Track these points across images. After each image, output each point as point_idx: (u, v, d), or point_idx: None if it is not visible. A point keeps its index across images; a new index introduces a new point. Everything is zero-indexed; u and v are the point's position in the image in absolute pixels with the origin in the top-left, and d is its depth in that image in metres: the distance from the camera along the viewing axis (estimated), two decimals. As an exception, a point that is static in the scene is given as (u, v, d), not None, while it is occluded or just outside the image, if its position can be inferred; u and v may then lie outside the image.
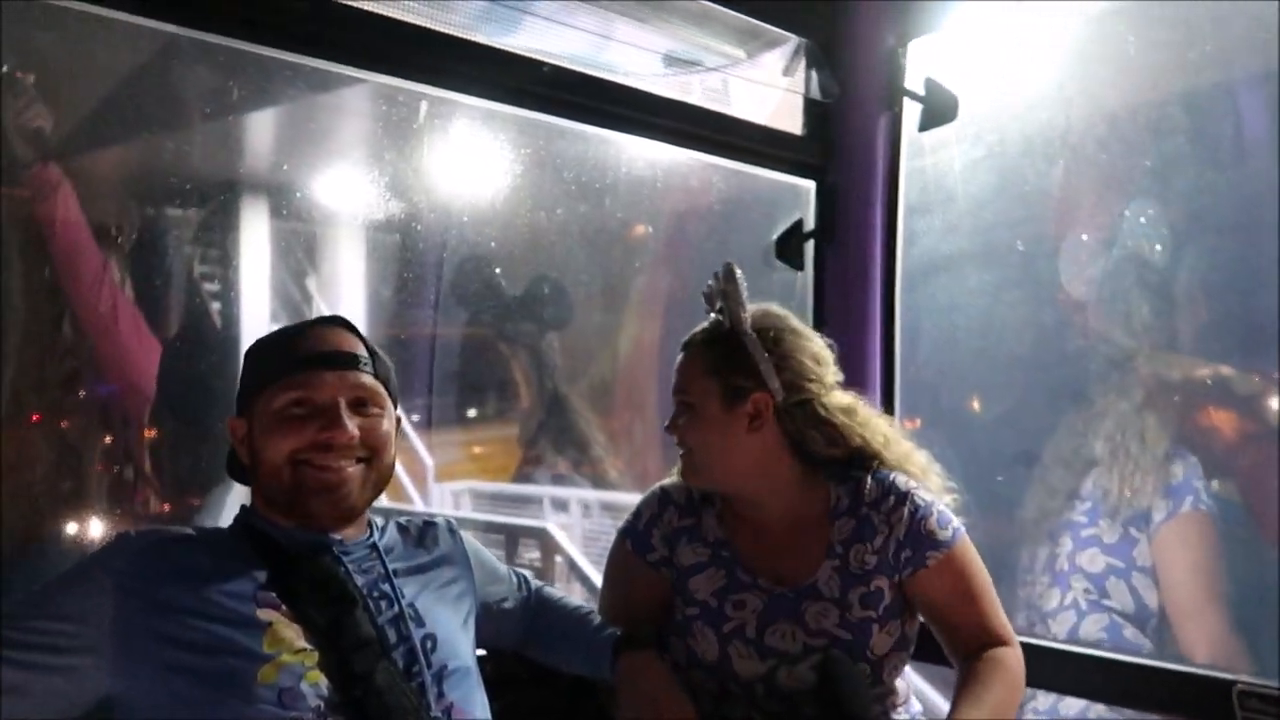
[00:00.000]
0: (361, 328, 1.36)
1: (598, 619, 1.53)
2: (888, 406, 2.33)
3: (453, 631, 1.33)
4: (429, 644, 1.28)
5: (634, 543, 1.66)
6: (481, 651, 1.44)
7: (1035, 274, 2.69)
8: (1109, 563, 2.30)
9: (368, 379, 1.29)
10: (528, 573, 1.62)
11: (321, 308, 4.90)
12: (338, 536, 1.29)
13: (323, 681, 1.15)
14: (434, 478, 5.90)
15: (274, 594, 1.18)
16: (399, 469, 6.07)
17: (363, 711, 1.14)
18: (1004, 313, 2.73)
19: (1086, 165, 2.41)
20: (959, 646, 1.57)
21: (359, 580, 1.27)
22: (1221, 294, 2.34)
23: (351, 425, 1.24)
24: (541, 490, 5.15)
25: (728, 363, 1.57)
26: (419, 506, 5.51)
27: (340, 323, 1.34)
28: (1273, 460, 2.24)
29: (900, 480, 1.63)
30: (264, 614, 1.16)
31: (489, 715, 1.32)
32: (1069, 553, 2.39)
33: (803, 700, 1.50)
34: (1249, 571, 2.21)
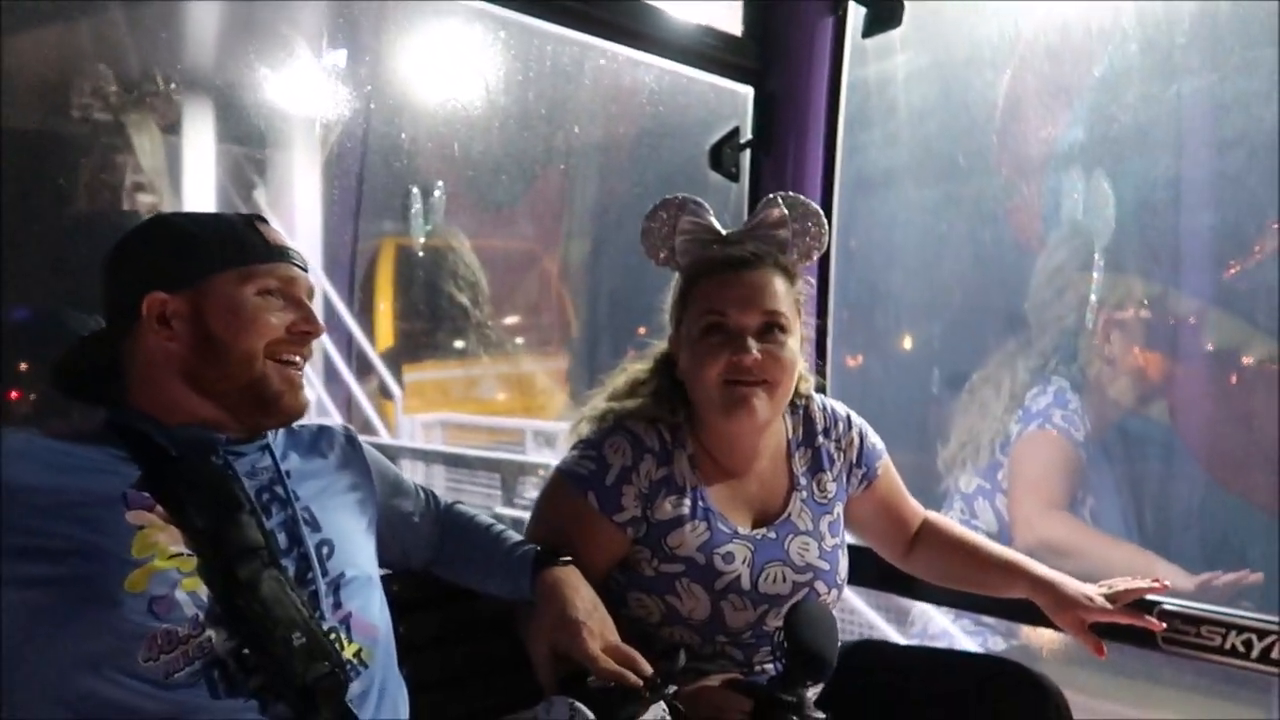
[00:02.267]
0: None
1: (514, 536, 1.48)
2: (821, 327, 2.30)
3: (351, 537, 1.27)
4: (324, 550, 1.21)
5: (600, 499, 1.49)
6: (386, 571, 1.38)
7: (978, 189, 2.67)
8: (979, 484, 2.47)
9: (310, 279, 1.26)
10: (437, 491, 1.56)
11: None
12: (224, 436, 1.21)
13: (201, 589, 1.08)
14: (402, 409, 5.78)
15: (148, 495, 1.10)
16: (364, 400, 5.97)
17: (246, 622, 1.08)
18: (944, 230, 2.72)
19: (1034, 76, 2.37)
20: (902, 535, 1.69)
21: (248, 483, 1.19)
22: (1159, 212, 2.36)
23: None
24: (523, 423, 5.06)
25: (794, 286, 1.54)
26: (385, 439, 5.39)
27: (266, 221, 1.26)
28: (1201, 384, 2.30)
29: (836, 404, 1.67)
30: (134, 516, 1.08)
31: (391, 624, 1.27)
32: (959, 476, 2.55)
33: (778, 638, 1.52)
34: (1177, 490, 2.29)
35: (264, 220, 1.27)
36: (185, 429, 1.19)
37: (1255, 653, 1.60)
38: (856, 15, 2.24)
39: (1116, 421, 2.43)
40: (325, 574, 1.19)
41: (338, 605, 1.19)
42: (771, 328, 1.48)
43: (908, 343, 2.90)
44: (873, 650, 1.64)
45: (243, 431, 1.22)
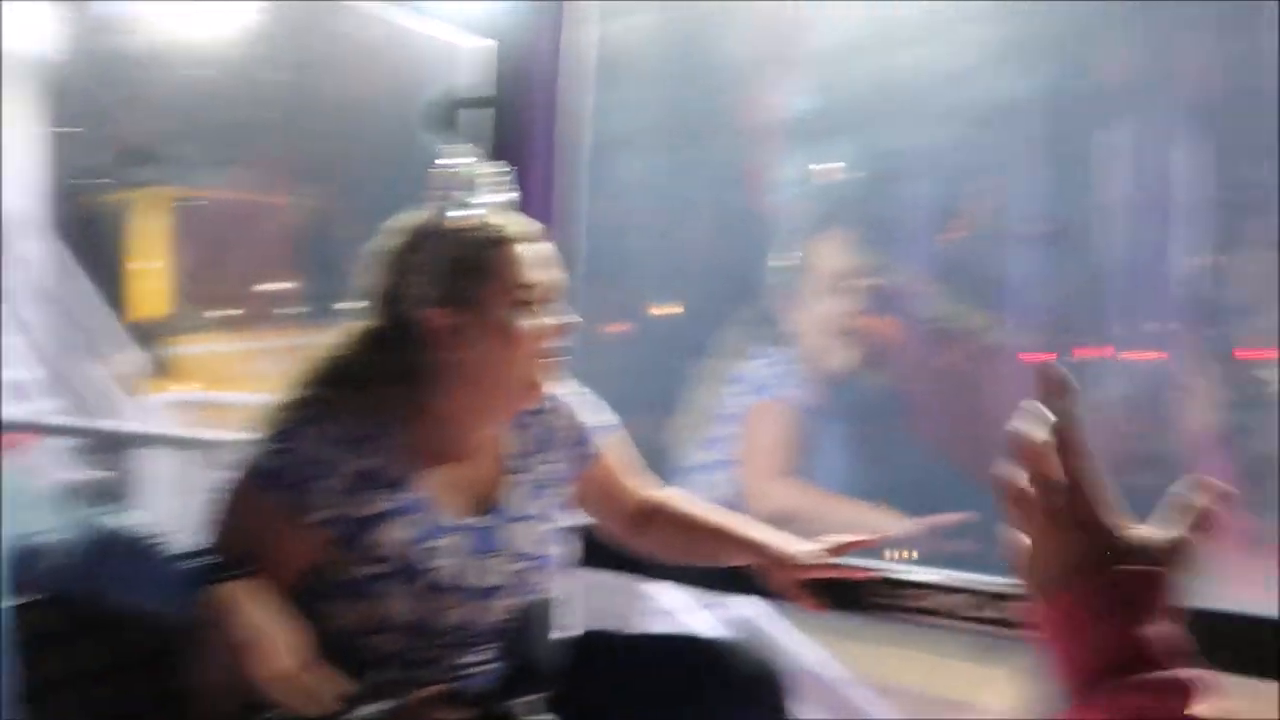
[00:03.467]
0: None
1: (184, 547, 1.31)
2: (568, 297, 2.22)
3: None
4: None
5: (291, 497, 1.35)
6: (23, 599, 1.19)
7: (717, 155, 2.68)
8: (710, 457, 2.50)
9: None
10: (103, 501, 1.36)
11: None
12: None
13: None
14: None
15: None
16: (89, 382, 5.29)
17: None
18: (685, 195, 2.71)
19: (768, 41, 2.38)
20: (632, 513, 1.63)
21: None
22: (883, 182, 2.45)
23: None
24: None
25: None
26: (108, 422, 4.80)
27: None
28: (922, 357, 2.42)
29: (557, 381, 1.58)
30: None
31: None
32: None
33: (498, 636, 1.45)
34: (898, 452, 2.42)
35: None
36: None
37: (959, 611, 1.68)
38: (590, -34, 2.15)
39: (840, 387, 2.53)
40: None
41: None
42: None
43: (656, 311, 2.89)
44: (600, 642, 1.60)
45: None
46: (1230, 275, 2.08)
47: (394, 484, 1.41)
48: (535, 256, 1.42)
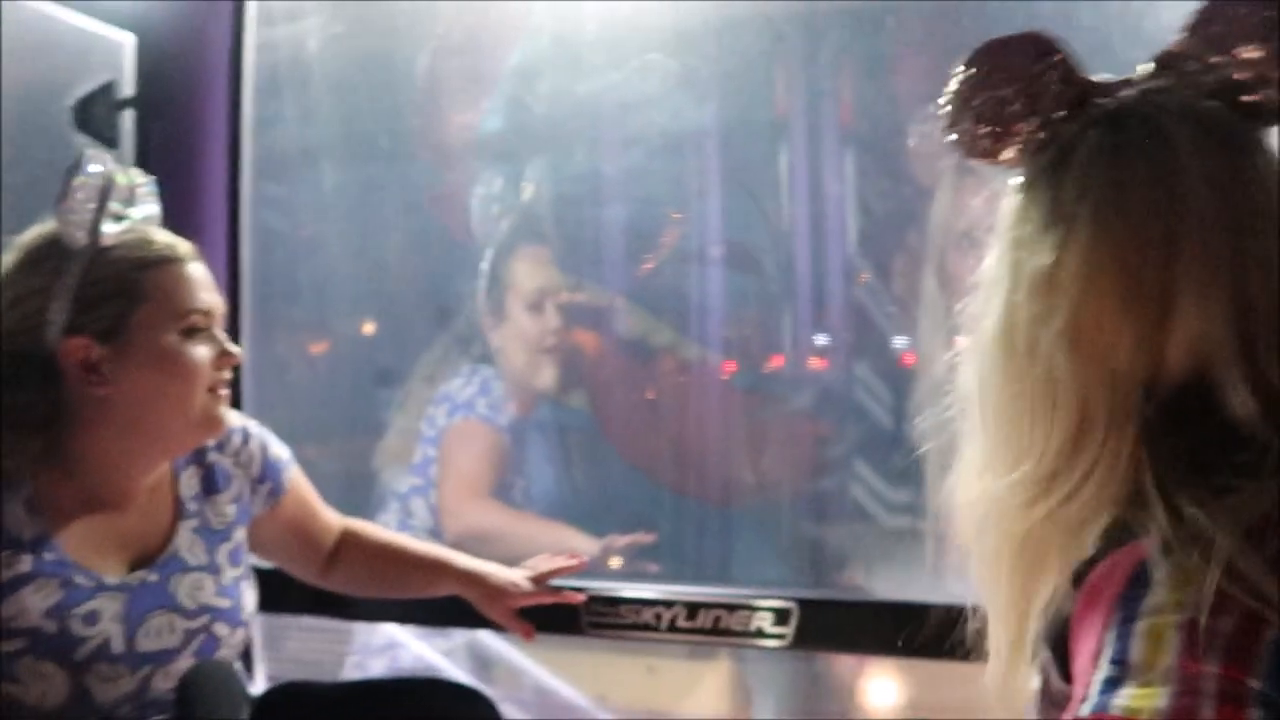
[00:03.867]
0: None
1: None
2: (234, 322, 2.04)
3: None
4: None
5: None
6: None
7: (404, 173, 2.59)
8: (412, 481, 2.46)
9: None
10: None
11: None
12: None
13: None
14: None
15: None
16: None
17: None
18: (371, 215, 2.60)
19: (455, 57, 2.34)
20: (320, 550, 1.58)
21: None
22: (577, 205, 2.49)
23: None
24: None
25: None
26: None
27: None
28: (619, 375, 2.48)
29: (230, 414, 1.48)
30: None
31: None
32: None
33: (174, 705, 1.31)
34: (599, 470, 2.47)
35: None
36: None
37: (664, 624, 1.74)
38: (264, -35, 2.01)
39: (541, 407, 2.54)
40: None
41: None
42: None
43: (341, 336, 2.74)
44: (294, 696, 1.45)
45: None
46: (893, 290, 2.32)
47: (24, 545, 1.22)
48: (196, 277, 1.32)
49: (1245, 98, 0.81)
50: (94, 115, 2.02)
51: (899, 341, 2.27)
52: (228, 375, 1.35)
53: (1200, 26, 0.83)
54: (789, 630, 1.66)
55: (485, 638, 2.44)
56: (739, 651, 2.33)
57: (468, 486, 2.39)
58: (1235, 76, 0.81)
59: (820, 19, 2.23)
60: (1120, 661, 0.69)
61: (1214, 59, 0.82)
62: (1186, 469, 0.75)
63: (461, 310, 2.49)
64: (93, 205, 1.27)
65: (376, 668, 2.37)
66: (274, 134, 2.34)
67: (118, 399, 1.27)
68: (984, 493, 0.85)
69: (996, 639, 0.87)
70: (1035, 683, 0.85)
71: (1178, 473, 0.75)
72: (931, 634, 1.49)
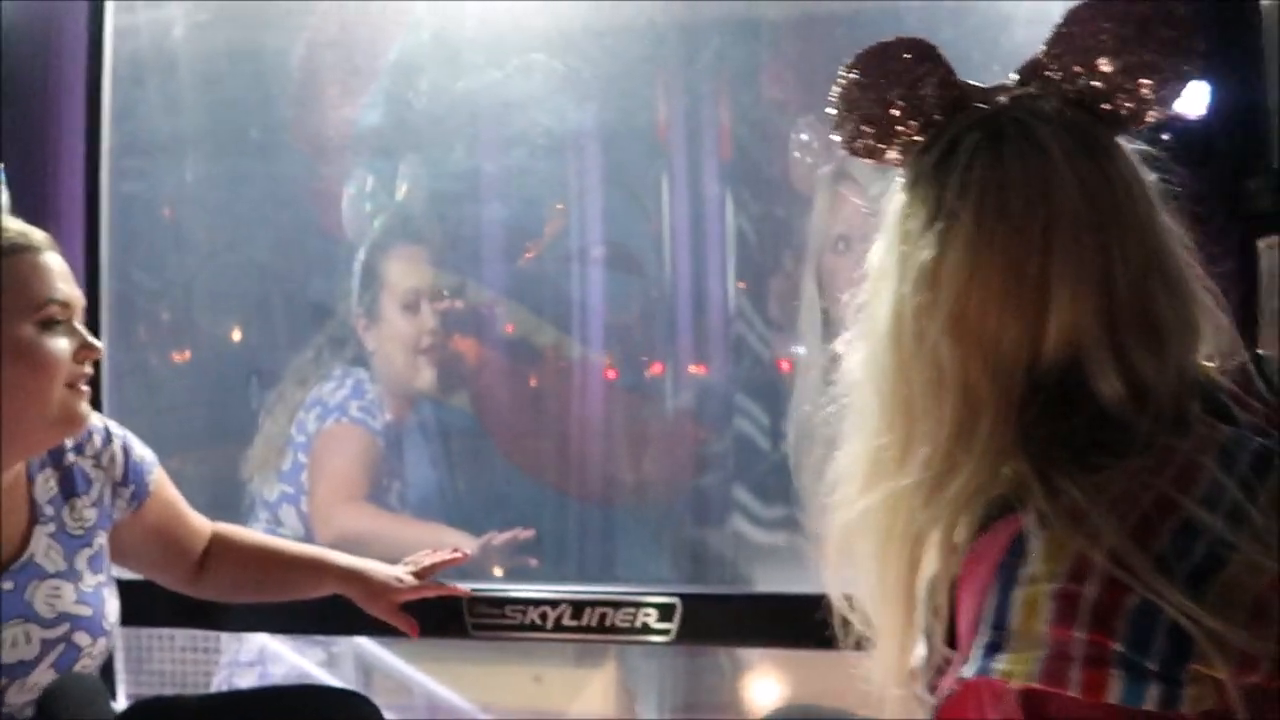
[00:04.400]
0: None
1: None
2: (93, 319, 1.93)
3: None
4: None
5: None
6: None
7: (276, 167, 2.50)
8: (282, 489, 2.39)
9: None
10: None
11: None
12: None
13: None
14: None
15: None
16: None
17: None
18: (240, 210, 2.50)
19: (330, 49, 2.28)
20: (188, 556, 1.53)
21: None
22: (457, 203, 2.47)
23: None
24: None
25: None
26: None
27: None
28: (497, 369, 2.47)
29: (91, 416, 1.40)
30: None
31: None
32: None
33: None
34: (482, 470, 2.44)
35: None
36: None
37: (550, 623, 1.74)
38: (118, -54, 1.91)
39: (421, 408, 2.49)
40: None
41: None
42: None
43: (208, 337, 2.62)
44: (160, 712, 1.39)
45: None
46: (769, 297, 2.38)
47: None
48: (52, 267, 1.27)
49: (1104, 106, 0.88)
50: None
51: (775, 348, 2.33)
52: (89, 370, 1.30)
53: (1061, 40, 0.89)
54: (673, 625, 1.68)
55: (369, 647, 2.38)
56: (625, 656, 2.35)
57: (340, 490, 2.32)
58: (1094, 85, 0.88)
59: (701, 25, 2.27)
60: (999, 627, 0.74)
61: (1075, 69, 0.88)
62: (1062, 448, 0.81)
63: (336, 311, 2.42)
64: None
65: (245, 683, 2.28)
66: (136, 123, 2.22)
67: None
68: (872, 481, 0.88)
69: (887, 621, 0.91)
70: (920, 651, 0.89)
71: (1054, 452, 0.81)
72: (812, 624, 1.55)
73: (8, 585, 1.24)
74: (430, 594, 1.54)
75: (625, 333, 2.52)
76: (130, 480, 1.43)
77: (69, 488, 1.36)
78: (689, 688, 2.37)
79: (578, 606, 1.71)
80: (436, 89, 2.27)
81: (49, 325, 1.24)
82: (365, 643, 2.38)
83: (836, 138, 0.96)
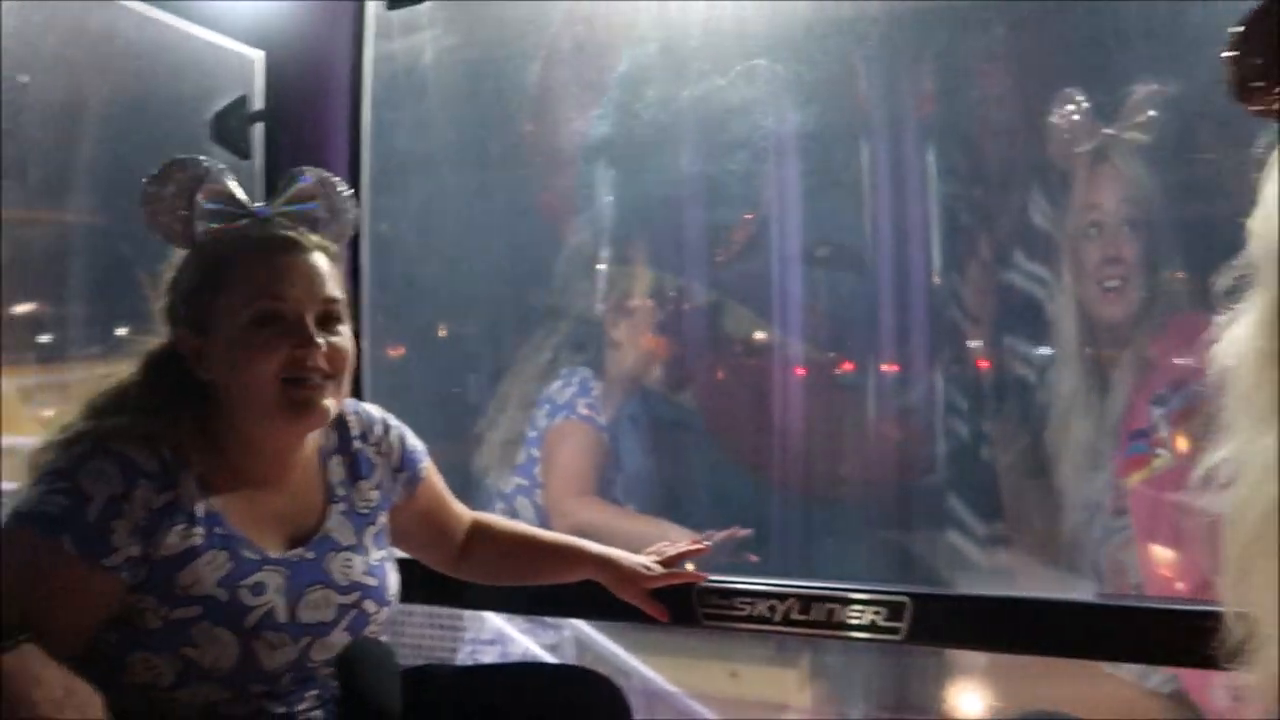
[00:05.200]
0: None
1: None
2: (355, 324, 2.11)
3: None
4: None
5: (80, 542, 1.19)
6: None
7: (512, 180, 2.65)
8: (517, 481, 2.54)
9: None
10: None
11: None
12: None
13: None
14: None
15: None
16: None
17: None
18: (481, 220, 2.67)
19: (563, 66, 2.40)
20: (452, 540, 1.63)
21: None
22: (680, 208, 2.52)
23: None
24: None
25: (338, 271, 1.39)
26: None
27: None
28: (725, 373, 2.51)
29: (368, 407, 1.57)
30: None
31: None
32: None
33: (327, 677, 1.38)
34: (701, 466, 2.49)
35: None
36: None
37: (778, 616, 1.75)
38: (380, -18, 2.09)
39: (646, 403, 2.58)
40: None
41: None
42: (330, 317, 1.33)
43: (449, 336, 2.81)
44: (429, 678, 1.52)
45: None
46: (974, 293, 2.31)
47: (196, 519, 1.28)
48: (279, 266, 1.32)
49: None
50: (228, 128, 2.11)
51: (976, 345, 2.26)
52: (318, 365, 1.30)
53: None
54: (903, 625, 1.65)
55: (588, 632, 2.49)
56: (819, 654, 2.33)
57: (571, 485, 2.45)
58: None
59: (927, 19, 2.23)
60: None
61: None
62: None
63: (570, 313, 2.54)
64: (184, 205, 1.32)
65: (488, 658, 2.44)
66: (391, 143, 2.41)
67: (221, 385, 1.33)
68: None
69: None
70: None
71: None
72: (1054, 630, 1.49)
73: (310, 555, 1.37)
74: (675, 581, 1.60)
75: (848, 331, 2.51)
76: (405, 467, 1.55)
77: (355, 471, 1.48)
78: (892, 688, 2.33)
79: (806, 601, 1.71)
80: (663, 98, 2.34)
81: (264, 321, 1.29)
82: (585, 628, 2.49)
83: (1233, 77, 0.81)
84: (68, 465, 1.23)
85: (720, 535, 2.31)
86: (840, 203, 2.48)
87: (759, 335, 2.52)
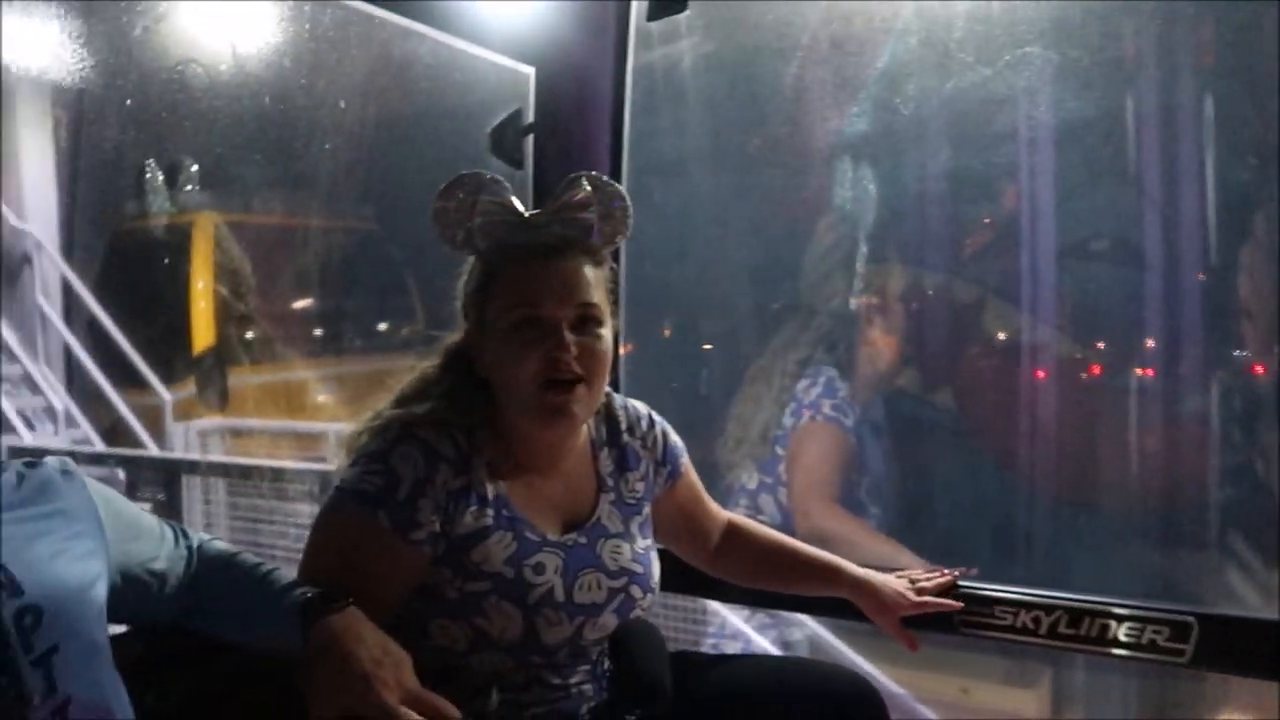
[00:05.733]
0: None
1: (282, 577, 1.27)
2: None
3: (70, 598, 1.05)
4: (27, 620, 0.98)
5: (393, 517, 1.32)
6: (121, 628, 1.14)
7: (767, 180, 2.67)
8: (761, 479, 2.52)
9: None
10: (186, 527, 1.31)
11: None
12: None
13: None
14: (172, 415, 5.16)
15: None
16: (124, 409, 5.21)
17: None
18: (735, 221, 2.71)
19: (820, 65, 2.39)
20: (706, 536, 1.66)
21: None
22: (939, 203, 2.45)
23: None
24: (324, 426, 4.65)
25: (611, 278, 1.44)
26: (152, 450, 4.80)
27: None
28: (986, 370, 2.41)
29: (634, 402, 1.61)
30: None
31: (129, 707, 1.04)
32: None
33: (603, 655, 1.45)
34: (959, 474, 2.41)
35: None
36: None
37: (1044, 629, 1.67)
38: (641, -3, 2.17)
39: (898, 405, 2.52)
40: (29, 650, 0.95)
41: (51, 689, 0.95)
42: (587, 320, 1.38)
43: (700, 334, 2.88)
44: (689, 664, 1.56)
45: None
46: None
47: (487, 501, 1.39)
48: (543, 275, 1.37)
49: None
50: (504, 141, 2.27)
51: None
52: (572, 370, 1.34)
53: None
54: (1189, 647, 1.53)
55: (823, 633, 2.48)
56: (1062, 679, 2.19)
57: (816, 488, 2.43)
58: None
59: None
60: None
61: None
62: None
63: (823, 312, 2.52)
64: (467, 216, 1.40)
65: (734, 650, 2.48)
66: (648, 148, 2.50)
67: (493, 381, 1.41)
68: None
69: None
70: None
71: None
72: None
73: (582, 540, 1.45)
74: (929, 610, 1.58)
75: (1122, 330, 2.34)
76: (667, 461, 1.59)
77: (623, 463, 1.54)
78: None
79: (1076, 614, 1.62)
80: (924, 92, 2.29)
81: (523, 325, 1.36)
82: (819, 628, 2.48)
83: None
84: (381, 448, 1.35)
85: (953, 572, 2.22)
86: (1114, 194, 2.31)
87: (1024, 333, 2.40)
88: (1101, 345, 2.36)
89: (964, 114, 2.32)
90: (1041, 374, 2.41)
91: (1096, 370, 2.35)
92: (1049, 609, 1.64)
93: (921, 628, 1.66)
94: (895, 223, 2.43)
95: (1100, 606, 1.60)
